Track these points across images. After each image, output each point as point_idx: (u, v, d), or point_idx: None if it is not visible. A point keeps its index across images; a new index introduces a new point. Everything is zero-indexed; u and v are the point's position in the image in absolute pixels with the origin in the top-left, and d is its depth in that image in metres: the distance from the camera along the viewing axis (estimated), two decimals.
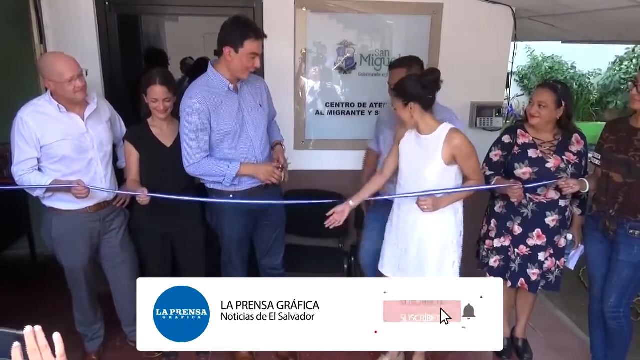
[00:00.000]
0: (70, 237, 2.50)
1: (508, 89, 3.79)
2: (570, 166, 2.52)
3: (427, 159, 2.35)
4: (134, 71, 3.76)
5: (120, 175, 2.69)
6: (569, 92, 2.59)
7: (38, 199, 2.50)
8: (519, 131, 2.62)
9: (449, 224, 2.43)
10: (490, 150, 2.70)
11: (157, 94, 2.41)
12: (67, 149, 2.37)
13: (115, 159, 2.69)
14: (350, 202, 2.48)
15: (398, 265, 2.52)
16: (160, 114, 2.46)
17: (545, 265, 2.66)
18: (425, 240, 2.42)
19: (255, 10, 3.20)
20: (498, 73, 3.55)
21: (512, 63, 3.61)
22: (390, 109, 2.58)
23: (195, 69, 5.19)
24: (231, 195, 2.52)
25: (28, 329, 0.87)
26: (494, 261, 2.74)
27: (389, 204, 2.62)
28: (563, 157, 2.53)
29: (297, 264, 3.11)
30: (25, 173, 2.33)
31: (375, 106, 3.45)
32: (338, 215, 2.43)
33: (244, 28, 2.28)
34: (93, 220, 2.53)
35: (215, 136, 2.43)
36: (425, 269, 2.42)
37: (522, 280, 2.69)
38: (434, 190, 2.33)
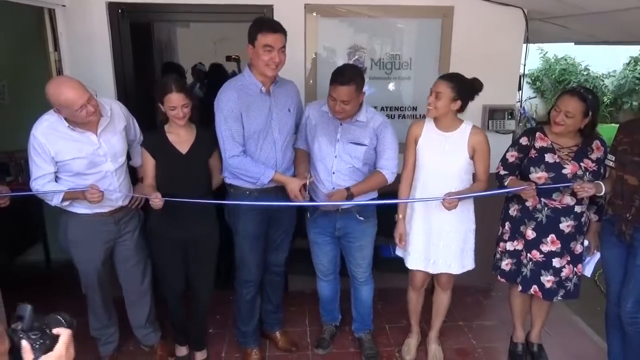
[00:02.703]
0: (85, 239, 2.53)
1: (520, 92, 3.76)
2: (587, 174, 2.48)
3: (454, 154, 2.55)
4: (146, 78, 3.80)
5: (132, 174, 2.71)
6: (598, 102, 2.53)
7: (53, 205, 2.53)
8: (537, 134, 2.59)
9: (468, 216, 2.67)
10: (507, 151, 2.69)
11: (174, 101, 2.40)
12: (80, 165, 2.38)
13: (128, 158, 2.69)
14: (400, 216, 2.71)
15: (428, 258, 2.70)
16: (179, 121, 2.46)
17: (562, 273, 2.62)
18: (451, 233, 2.63)
19: (265, 16, 3.21)
20: (510, 75, 3.53)
21: (524, 65, 3.58)
22: (321, 110, 2.66)
23: (210, 74, 5.24)
24: (247, 192, 2.58)
25: None
26: (505, 264, 2.73)
27: (331, 216, 2.70)
28: (581, 164, 2.49)
29: (305, 266, 3.13)
30: (42, 186, 2.37)
31: (386, 109, 3.45)
32: (402, 236, 2.70)
33: (259, 23, 2.40)
34: (108, 223, 2.55)
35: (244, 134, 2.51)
36: (452, 257, 2.66)
37: (535, 287, 2.65)
38: (452, 197, 2.46)
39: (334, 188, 2.61)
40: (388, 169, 2.62)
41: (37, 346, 1.00)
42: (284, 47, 2.42)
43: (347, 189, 2.54)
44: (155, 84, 2.50)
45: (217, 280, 2.84)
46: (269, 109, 2.52)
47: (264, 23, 2.40)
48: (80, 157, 2.37)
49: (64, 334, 1.04)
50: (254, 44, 2.38)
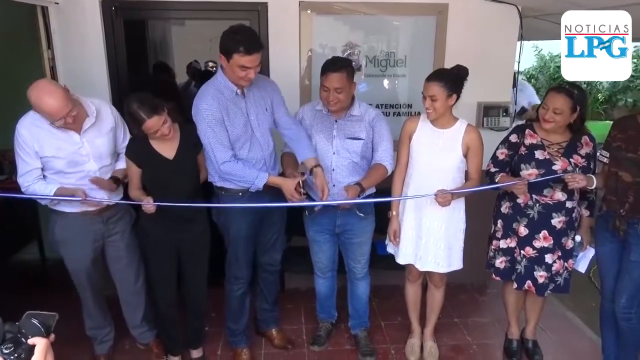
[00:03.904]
0: (73, 239, 2.51)
1: (515, 89, 3.77)
2: (577, 169, 2.49)
3: (448, 151, 2.55)
4: (140, 76, 3.79)
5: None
6: (585, 96, 2.53)
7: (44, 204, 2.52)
8: (527, 131, 2.60)
9: (459, 216, 2.66)
10: (497, 148, 2.70)
11: (153, 126, 2.30)
12: (60, 164, 2.36)
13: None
14: (394, 213, 2.72)
15: (416, 255, 2.70)
16: (167, 137, 2.39)
17: (553, 268, 2.63)
18: (440, 230, 2.62)
19: (260, 14, 3.21)
20: (504, 73, 3.53)
21: (519, 62, 3.59)
22: (315, 109, 2.68)
23: (203, 76, 5.22)
24: (240, 194, 2.56)
25: None
26: (499, 262, 2.73)
27: (331, 214, 2.71)
28: (571, 159, 2.50)
29: (301, 264, 3.16)
30: (31, 184, 2.35)
31: (381, 107, 3.45)
32: (396, 232, 2.72)
33: (236, 41, 2.27)
34: (96, 222, 2.53)
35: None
36: (440, 256, 2.65)
37: (529, 283, 2.67)
38: (447, 191, 2.46)
39: (334, 185, 2.61)
40: (387, 160, 2.64)
41: None
42: (260, 62, 2.35)
43: (358, 184, 2.54)
44: (126, 116, 2.36)
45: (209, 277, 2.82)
46: (246, 111, 2.49)
47: (241, 43, 2.25)
48: (60, 158, 2.34)
49: (39, 344, 0.98)
50: (228, 59, 2.30)
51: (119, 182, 2.50)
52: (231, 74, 2.37)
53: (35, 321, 1.00)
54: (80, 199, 2.29)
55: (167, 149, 2.46)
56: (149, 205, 2.34)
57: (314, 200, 2.69)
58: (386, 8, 3.31)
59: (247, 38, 2.29)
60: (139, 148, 2.46)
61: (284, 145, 2.75)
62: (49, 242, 2.64)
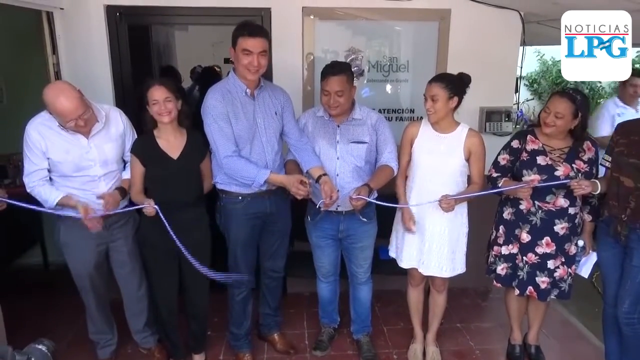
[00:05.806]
0: (76, 243, 2.52)
1: (517, 94, 3.77)
2: (580, 174, 2.49)
3: (450, 155, 2.57)
4: (144, 81, 3.79)
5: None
6: (587, 102, 2.53)
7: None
8: (528, 137, 2.60)
9: (461, 220, 2.68)
10: (499, 154, 2.70)
11: (155, 94, 2.37)
12: (66, 168, 2.38)
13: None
14: (403, 199, 2.71)
15: (419, 259, 2.70)
16: (163, 117, 2.40)
17: (556, 274, 2.63)
18: (444, 235, 2.63)
19: (263, 19, 3.22)
20: (507, 78, 3.54)
21: (521, 67, 3.60)
22: (316, 116, 2.70)
23: (203, 76, 5.21)
24: (239, 197, 2.58)
25: None
26: (501, 268, 2.73)
27: (334, 219, 2.72)
28: (573, 165, 2.50)
29: (304, 269, 3.15)
30: (37, 185, 2.36)
31: (384, 112, 3.46)
32: (412, 218, 2.66)
33: (240, 27, 2.38)
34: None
35: None
36: (444, 260, 2.65)
37: (530, 288, 2.67)
38: (452, 196, 2.49)
39: (338, 191, 2.60)
40: (393, 162, 2.66)
41: None
42: (265, 51, 2.41)
43: (366, 184, 2.54)
44: (138, 102, 2.47)
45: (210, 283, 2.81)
46: (253, 113, 2.52)
47: (244, 27, 2.37)
48: (67, 161, 2.37)
49: None
50: (235, 47, 2.40)
51: (125, 193, 2.53)
52: (237, 64, 2.42)
53: (43, 348, 1.00)
54: (81, 216, 2.29)
55: (172, 149, 2.50)
56: (150, 208, 2.34)
57: (318, 207, 2.67)
58: (388, 14, 3.32)
59: (251, 24, 2.40)
60: (144, 144, 2.50)
61: (287, 153, 2.76)
62: (54, 245, 2.64)
